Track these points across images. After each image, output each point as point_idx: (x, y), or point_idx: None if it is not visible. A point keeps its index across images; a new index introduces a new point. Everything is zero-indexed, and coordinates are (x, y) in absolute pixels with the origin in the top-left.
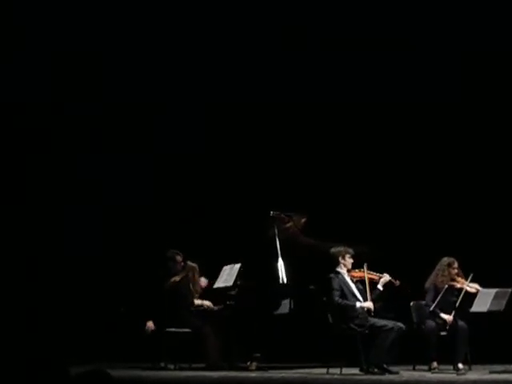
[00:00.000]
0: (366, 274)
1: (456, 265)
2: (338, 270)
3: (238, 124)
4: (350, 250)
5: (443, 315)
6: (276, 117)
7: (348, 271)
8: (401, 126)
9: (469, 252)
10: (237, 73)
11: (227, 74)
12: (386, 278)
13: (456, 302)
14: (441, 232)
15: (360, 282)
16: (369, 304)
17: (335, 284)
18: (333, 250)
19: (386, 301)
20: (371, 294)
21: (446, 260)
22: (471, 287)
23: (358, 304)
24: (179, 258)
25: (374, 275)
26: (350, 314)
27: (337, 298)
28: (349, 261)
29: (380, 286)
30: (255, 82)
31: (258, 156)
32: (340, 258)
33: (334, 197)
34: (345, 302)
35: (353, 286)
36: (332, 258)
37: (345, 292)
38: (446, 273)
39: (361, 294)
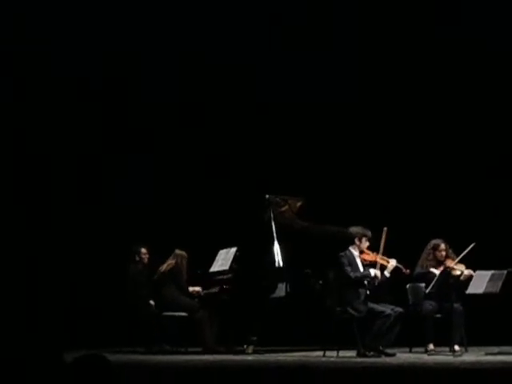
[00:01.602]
0: (383, 238)
1: (443, 247)
2: (351, 249)
3: (233, 109)
4: (368, 233)
5: (432, 269)
6: (270, 101)
7: (361, 253)
8: (395, 116)
9: (466, 233)
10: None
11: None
12: (393, 263)
13: (453, 284)
14: (436, 213)
15: (369, 267)
16: (377, 272)
17: (345, 260)
18: (351, 229)
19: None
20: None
21: (431, 243)
22: (455, 269)
23: (372, 271)
24: (144, 251)
25: (385, 260)
26: (349, 298)
27: (351, 273)
28: (365, 244)
29: (387, 273)
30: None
31: (253, 139)
32: (356, 239)
33: (330, 180)
34: (359, 273)
35: (360, 267)
36: (348, 237)
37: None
38: (431, 257)
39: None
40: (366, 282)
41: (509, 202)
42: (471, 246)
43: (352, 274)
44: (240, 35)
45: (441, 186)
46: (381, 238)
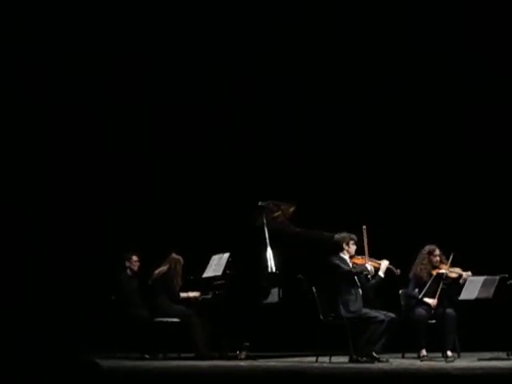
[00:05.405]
0: (365, 238)
1: (437, 252)
2: (341, 255)
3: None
4: (354, 237)
5: (427, 299)
6: (263, 106)
7: (350, 257)
8: (395, 115)
9: (458, 240)
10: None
11: None
12: (386, 263)
13: (443, 288)
14: (428, 219)
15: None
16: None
17: (339, 261)
18: (337, 236)
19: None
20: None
21: (426, 248)
22: (452, 272)
23: (368, 266)
24: (135, 258)
25: (375, 262)
26: (343, 299)
27: (348, 268)
28: (352, 247)
29: (381, 273)
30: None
31: (246, 146)
32: (344, 245)
33: (323, 186)
34: (359, 267)
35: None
36: (335, 244)
37: None
38: (426, 261)
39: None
40: (358, 283)
41: (499, 210)
42: (451, 256)
43: (349, 270)
44: (240, 35)
45: (426, 189)
46: (362, 239)
